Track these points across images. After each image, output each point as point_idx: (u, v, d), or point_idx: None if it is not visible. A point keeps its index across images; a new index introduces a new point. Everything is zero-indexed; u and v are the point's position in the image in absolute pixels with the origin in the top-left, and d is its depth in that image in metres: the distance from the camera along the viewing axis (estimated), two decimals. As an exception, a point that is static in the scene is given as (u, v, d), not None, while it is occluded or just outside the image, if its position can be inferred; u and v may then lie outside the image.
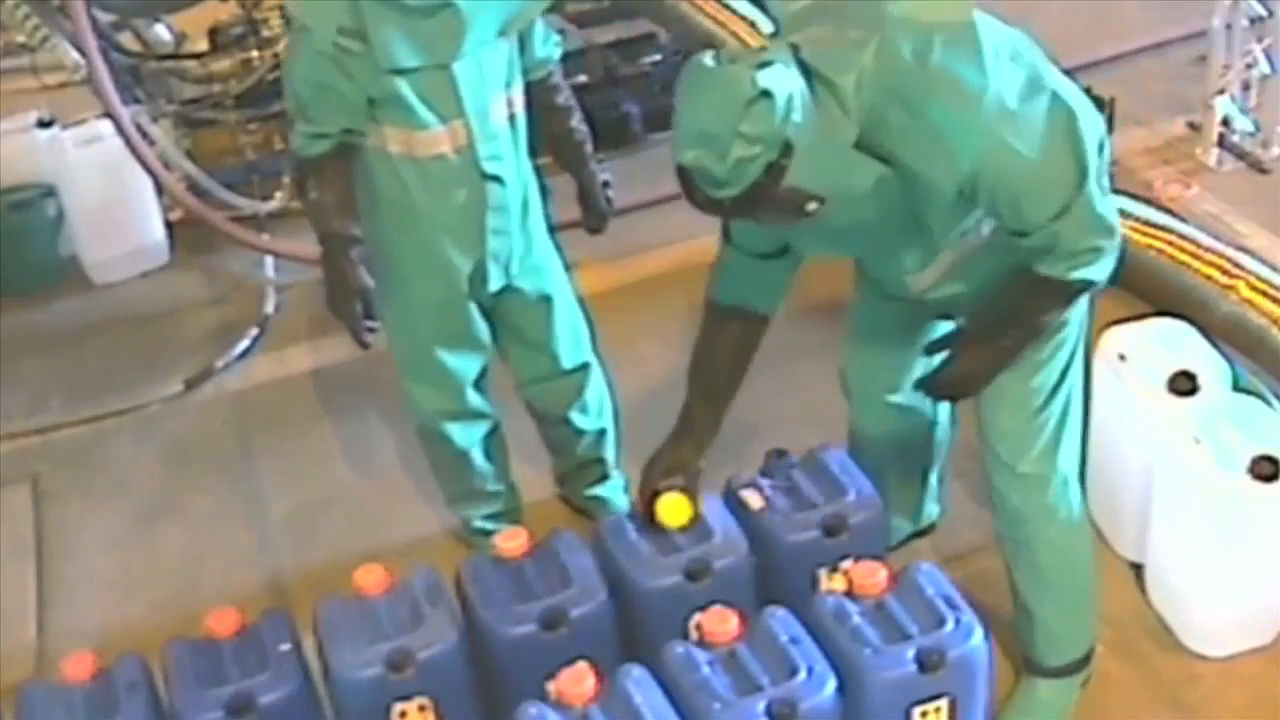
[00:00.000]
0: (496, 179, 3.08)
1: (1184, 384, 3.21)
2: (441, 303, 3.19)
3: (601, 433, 3.54)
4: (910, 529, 3.46)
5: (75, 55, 4.41)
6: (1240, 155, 4.86)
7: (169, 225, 4.95)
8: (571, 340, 3.40)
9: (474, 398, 3.34)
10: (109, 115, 4.44)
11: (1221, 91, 4.81)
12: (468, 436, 3.38)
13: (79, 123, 4.77)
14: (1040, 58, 2.59)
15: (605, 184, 3.36)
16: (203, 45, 5.06)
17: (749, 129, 2.35)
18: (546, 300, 3.32)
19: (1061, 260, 2.58)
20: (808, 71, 2.43)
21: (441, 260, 3.13)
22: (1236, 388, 3.27)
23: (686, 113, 2.46)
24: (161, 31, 5.09)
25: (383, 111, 2.97)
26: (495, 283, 3.20)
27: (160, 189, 4.75)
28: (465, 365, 3.29)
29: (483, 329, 3.28)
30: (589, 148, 3.34)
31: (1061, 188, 2.51)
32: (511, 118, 3.09)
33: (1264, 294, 3.54)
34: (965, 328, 2.84)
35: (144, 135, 4.55)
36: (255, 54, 4.90)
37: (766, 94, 2.35)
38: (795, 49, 2.46)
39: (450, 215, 3.09)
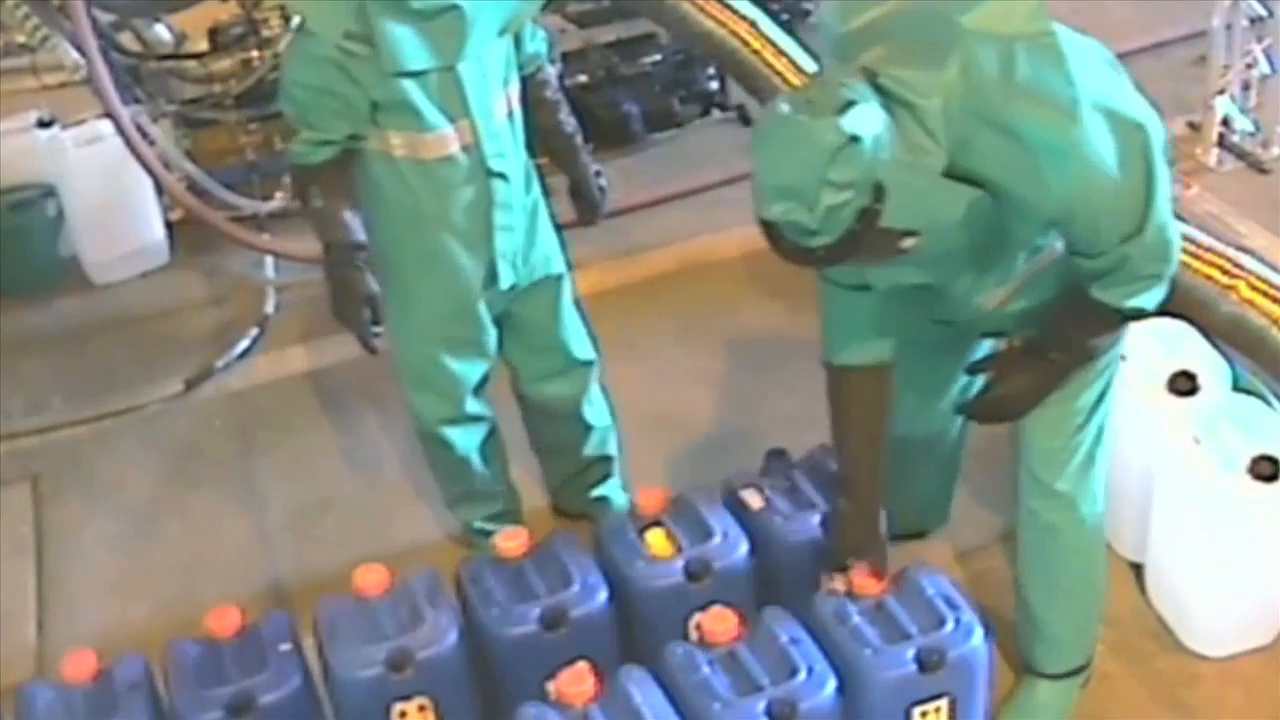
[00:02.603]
0: (501, 176, 3.09)
1: (1184, 384, 3.22)
2: (451, 308, 3.19)
3: (607, 429, 3.54)
4: (939, 525, 3.43)
5: (75, 55, 4.41)
6: (1240, 155, 4.86)
7: (169, 225, 4.95)
8: (580, 332, 3.41)
9: (474, 403, 3.34)
10: (109, 115, 4.43)
11: (1221, 91, 4.81)
12: (467, 441, 3.38)
13: (79, 123, 4.77)
14: (1112, 63, 2.50)
15: (598, 173, 3.36)
16: (203, 45, 5.06)
17: (838, 176, 2.23)
18: (556, 291, 3.32)
19: (1120, 285, 2.52)
20: (886, 97, 2.31)
21: (451, 264, 3.13)
22: (1236, 388, 3.27)
23: (768, 166, 2.31)
24: (161, 31, 5.08)
25: (386, 115, 2.97)
26: (506, 280, 3.20)
27: (160, 189, 4.75)
28: (470, 371, 3.28)
29: (491, 335, 3.27)
30: (579, 140, 3.35)
31: (1135, 207, 2.43)
32: (510, 114, 3.10)
33: (1264, 294, 3.53)
34: (1010, 350, 2.79)
35: (144, 135, 4.55)
36: (255, 54, 4.89)
37: (854, 139, 2.23)
38: (871, 74, 2.33)
39: (458, 216, 3.09)
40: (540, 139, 3.30)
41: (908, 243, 2.34)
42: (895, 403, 3.12)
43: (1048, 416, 2.79)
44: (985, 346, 2.93)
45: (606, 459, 3.57)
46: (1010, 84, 2.31)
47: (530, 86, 3.20)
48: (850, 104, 2.26)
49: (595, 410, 3.49)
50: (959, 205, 2.37)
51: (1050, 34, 2.35)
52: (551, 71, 3.30)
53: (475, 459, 3.42)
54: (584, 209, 3.38)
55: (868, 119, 2.26)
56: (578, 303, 3.44)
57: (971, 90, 2.31)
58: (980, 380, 2.87)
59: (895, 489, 3.26)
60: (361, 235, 3.07)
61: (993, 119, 2.31)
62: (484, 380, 3.34)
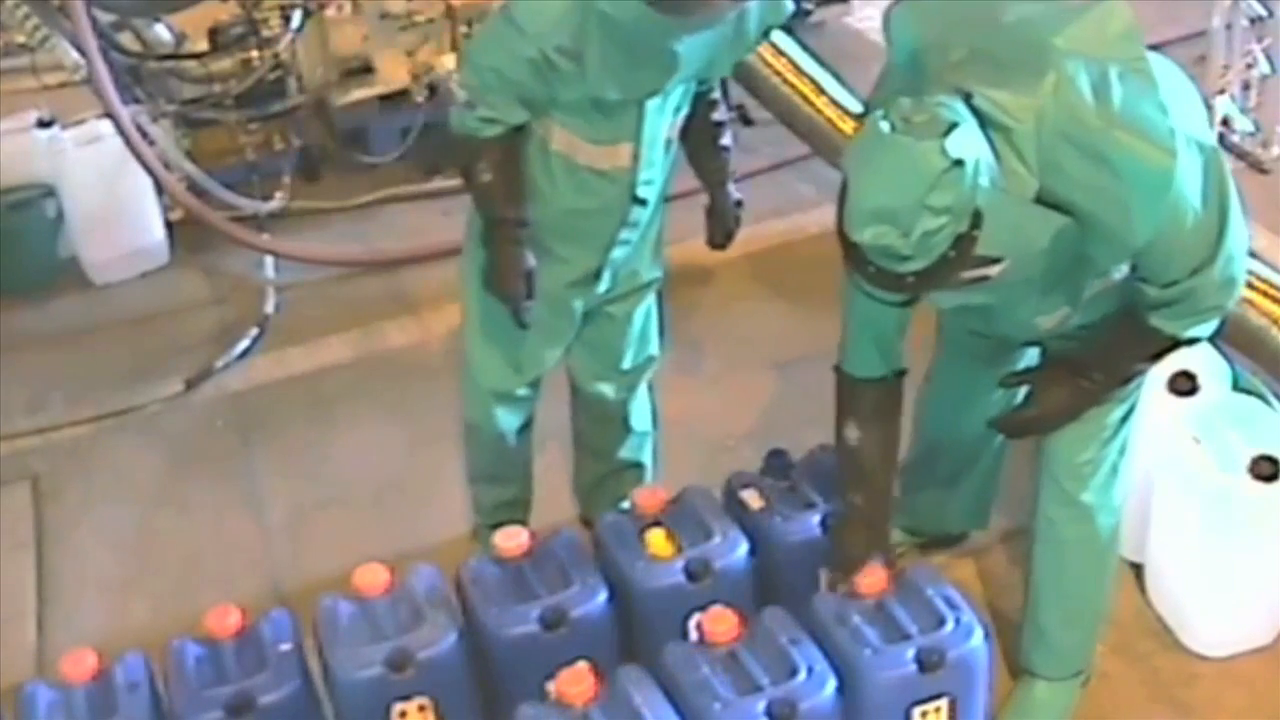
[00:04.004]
0: (643, 202, 3.07)
1: (1184, 384, 3.22)
2: (551, 297, 3.16)
3: (645, 435, 3.53)
4: (980, 528, 3.41)
5: (75, 55, 4.41)
6: (1240, 155, 4.86)
7: (169, 225, 4.94)
8: (646, 337, 3.40)
9: (528, 388, 3.35)
10: (109, 115, 4.43)
11: (1221, 91, 4.80)
12: (509, 421, 3.38)
13: (79, 123, 4.76)
14: (1187, 83, 2.44)
15: (738, 203, 3.28)
16: (203, 45, 5.06)
17: (937, 201, 2.16)
18: (641, 297, 3.32)
19: (1182, 317, 2.50)
20: (980, 119, 2.24)
21: (563, 257, 3.12)
22: (1236, 388, 3.27)
23: (866, 187, 2.22)
24: (161, 31, 5.08)
25: (559, 110, 2.93)
26: (604, 285, 3.21)
27: (160, 189, 4.75)
28: (546, 358, 3.28)
29: (574, 331, 3.27)
30: (730, 166, 3.29)
31: (1210, 238, 2.40)
32: (668, 142, 3.07)
33: (1264, 294, 3.54)
34: (1049, 367, 2.77)
35: (144, 135, 4.55)
36: (255, 54, 4.89)
37: (957, 163, 2.16)
38: (966, 94, 2.26)
39: (587, 222, 3.08)
40: (695, 157, 3.24)
41: (994, 269, 2.27)
42: (931, 409, 3.13)
43: (1078, 430, 2.77)
44: (1024, 357, 2.90)
45: (638, 465, 3.55)
46: (1106, 111, 2.26)
47: (700, 105, 3.15)
48: (953, 126, 2.19)
49: (639, 414, 3.48)
50: (1047, 232, 2.30)
51: (1144, 59, 2.30)
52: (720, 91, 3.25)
53: (509, 439, 3.42)
54: (717, 233, 3.30)
55: (970, 142, 2.20)
56: (661, 298, 3.41)
57: (1064, 115, 2.26)
58: (1016, 391, 2.84)
59: (936, 493, 3.27)
60: (524, 211, 3.02)
61: (1086, 146, 2.26)
62: (544, 372, 3.35)
